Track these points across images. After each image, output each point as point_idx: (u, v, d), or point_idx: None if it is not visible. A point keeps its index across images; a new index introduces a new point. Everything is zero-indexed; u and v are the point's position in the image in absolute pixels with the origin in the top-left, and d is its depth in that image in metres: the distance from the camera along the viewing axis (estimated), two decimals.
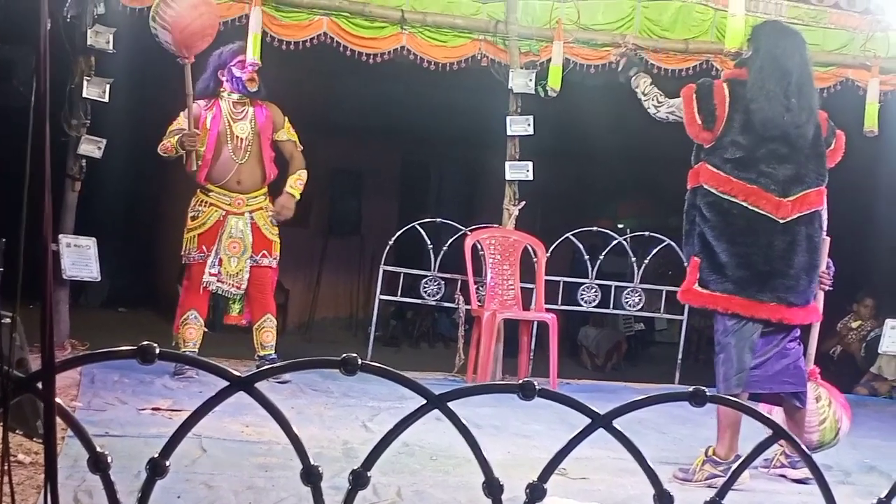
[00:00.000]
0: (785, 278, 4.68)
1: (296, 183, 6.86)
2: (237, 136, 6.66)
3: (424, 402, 1.74)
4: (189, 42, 6.32)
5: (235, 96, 6.72)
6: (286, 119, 6.88)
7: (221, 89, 6.73)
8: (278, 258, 6.85)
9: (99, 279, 7.23)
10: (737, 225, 4.70)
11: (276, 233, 6.83)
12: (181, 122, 6.66)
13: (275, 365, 1.68)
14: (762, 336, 4.73)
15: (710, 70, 7.83)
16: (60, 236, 6.88)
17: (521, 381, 1.75)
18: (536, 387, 1.74)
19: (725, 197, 4.70)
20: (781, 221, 4.67)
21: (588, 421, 1.79)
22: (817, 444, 4.88)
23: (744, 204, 4.67)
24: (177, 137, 6.56)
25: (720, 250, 4.70)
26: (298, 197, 6.87)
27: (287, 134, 6.87)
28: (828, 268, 4.96)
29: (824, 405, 4.88)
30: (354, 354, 1.69)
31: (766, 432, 1.98)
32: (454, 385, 6.51)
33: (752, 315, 4.67)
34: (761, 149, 4.70)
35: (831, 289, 5.04)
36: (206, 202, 6.67)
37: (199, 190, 6.72)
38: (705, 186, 4.77)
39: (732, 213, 4.69)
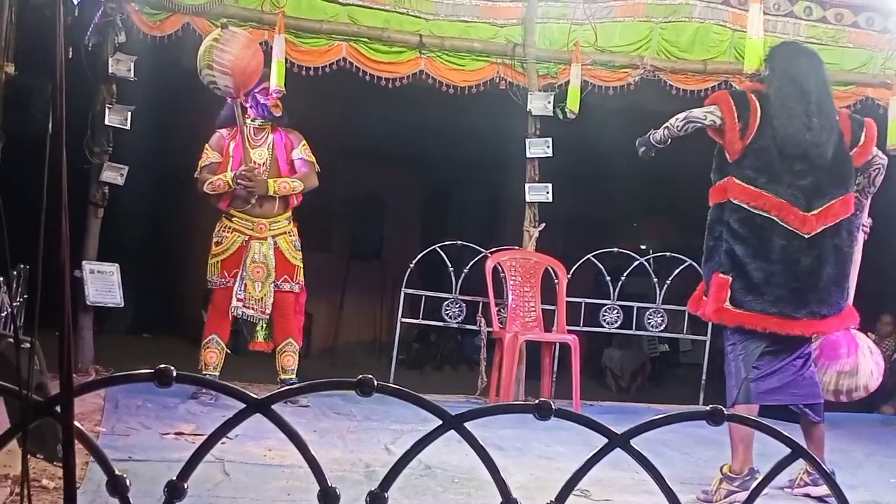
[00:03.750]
0: (816, 292, 4.63)
1: (286, 182, 6.68)
2: (255, 162, 6.66)
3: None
4: (248, 82, 6.41)
5: (257, 122, 6.75)
6: (304, 141, 6.85)
7: (246, 116, 6.74)
8: (302, 282, 6.85)
9: (122, 305, 7.28)
10: (770, 241, 4.60)
11: (300, 257, 6.81)
12: (210, 155, 6.71)
13: (292, 386, 1.69)
14: (769, 350, 4.67)
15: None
16: (84, 263, 6.94)
17: (537, 401, 1.74)
18: (553, 406, 1.73)
19: (757, 212, 4.60)
20: (807, 236, 4.60)
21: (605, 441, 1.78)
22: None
23: (775, 219, 4.58)
24: (232, 174, 6.57)
25: (754, 268, 4.59)
26: (272, 191, 6.62)
27: (300, 152, 6.80)
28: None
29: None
30: (370, 376, 1.69)
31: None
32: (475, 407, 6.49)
33: (787, 332, 4.61)
34: (783, 164, 4.63)
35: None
36: (229, 227, 6.70)
37: (223, 216, 6.75)
38: (734, 201, 4.65)
39: (765, 228, 4.60)
